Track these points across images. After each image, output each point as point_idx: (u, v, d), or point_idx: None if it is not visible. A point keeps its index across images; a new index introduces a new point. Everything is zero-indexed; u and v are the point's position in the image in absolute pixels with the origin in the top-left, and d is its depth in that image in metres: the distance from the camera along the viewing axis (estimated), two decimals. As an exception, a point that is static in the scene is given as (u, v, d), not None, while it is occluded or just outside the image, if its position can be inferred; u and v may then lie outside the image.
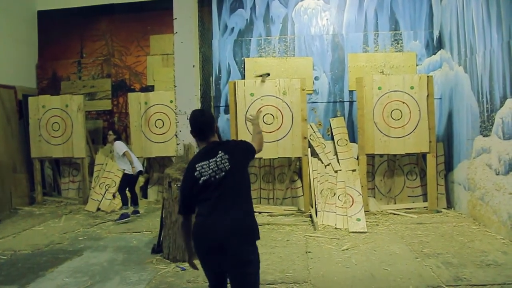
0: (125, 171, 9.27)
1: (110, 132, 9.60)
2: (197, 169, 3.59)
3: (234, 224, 3.45)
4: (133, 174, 9.13)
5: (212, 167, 3.58)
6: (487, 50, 7.70)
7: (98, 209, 10.03)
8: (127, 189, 9.36)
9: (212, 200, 3.50)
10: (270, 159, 9.51)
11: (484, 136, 7.87)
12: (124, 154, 9.07)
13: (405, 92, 9.12)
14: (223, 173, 3.56)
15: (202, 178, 3.55)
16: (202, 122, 3.82)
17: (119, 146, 9.18)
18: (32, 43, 12.26)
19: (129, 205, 9.31)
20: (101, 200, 10.18)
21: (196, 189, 3.58)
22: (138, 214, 9.46)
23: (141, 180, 10.83)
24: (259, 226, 3.71)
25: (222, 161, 3.60)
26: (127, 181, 9.31)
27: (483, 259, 6.13)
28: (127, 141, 11.42)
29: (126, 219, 8.95)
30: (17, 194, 10.69)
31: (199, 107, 7.03)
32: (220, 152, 3.65)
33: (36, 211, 10.20)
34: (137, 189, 10.47)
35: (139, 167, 9.34)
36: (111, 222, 8.96)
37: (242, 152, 3.83)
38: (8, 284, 5.67)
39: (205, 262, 3.59)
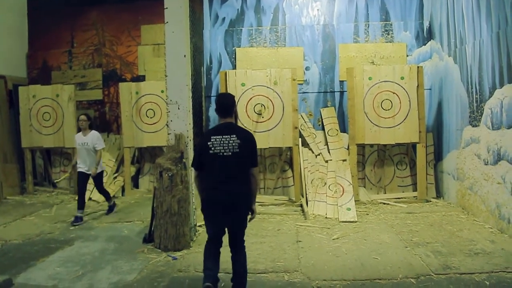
0: (86, 171, 8.34)
1: (84, 118, 8.43)
2: (211, 140, 4.58)
3: (235, 197, 4.58)
4: (91, 175, 8.34)
5: (223, 144, 4.55)
6: (477, 41, 7.74)
7: (90, 198, 9.99)
8: (81, 188, 8.43)
9: (220, 175, 4.57)
10: (261, 149, 9.51)
11: (473, 126, 7.94)
12: (99, 150, 8.36)
13: (395, 83, 9.16)
14: (230, 153, 4.54)
15: (212, 149, 4.55)
16: (224, 105, 4.80)
17: (101, 139, 8.47)
18: (22, 33, 12.16)
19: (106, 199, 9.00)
20: (92, 190, 10.14)
21: (205, 155, 4.60)
22: (81, 222, 8.21)
23: (132, 170, 10.83)
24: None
25: (234, 144, 4.55)
26: (100, 179, 8.66)
27: (472, 248, 6.21)
28: (118, 131, 11.44)
29: (115, 211, 8.94)
30: (8, 184, 10.67)
31: (190, 97, 7.05)
32: (234, 135, 4.59)
33: (27, 201, 10.17)
34: (127, 178, 10.50)
35: (100, 168, 8.55)
36: (102, 212, 8.95)
37: (248, 149, 4.66)
38: (-1, 273, 5.69)
39: (212, 220, 4.72)
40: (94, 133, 8.40)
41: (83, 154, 8.32)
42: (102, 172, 8.66)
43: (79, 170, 8.38)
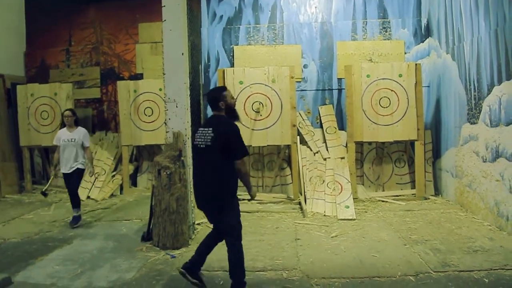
0: (67, 171, 7.81)
1: (69, 113, 7.95)
2: (197, 132, 4.79)
3: (206, 190, 4.74)
4: (89, 174, 8.09)
5: (202, 137, 4.69)
6: (475, 38, 7.74)
7: (88, 197, 9.99)
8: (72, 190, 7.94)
9: (197, 167, 4.90)
10: (259, 146, 9.52)
11: (471, 124, 7.94)
12: (88, 148, 8.01)
13: (394, 80, 9.15)
14: (204, 146, 4.67)
15: (195, 141, 4.79)
16: (208, 98, 4.94)
17: (88, 136, 8.06)
18: (20, 31, 12.12)
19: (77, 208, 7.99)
20: (90, 188, 10.15)
21: (192, 147, 4.93)
22: (80, 222, 7.93)
23: (130, 168, 10.82)
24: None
25: (208, 137, 4.63)
26: (79, 177, 8.02)
27: (470, 245, 6.22)
28: (116, 129, 11.43)
29: (79, 224, 7.89)
30: (6, 182, 10.65)
31: (188, 95, 7.04)
32: (211, 128, 4.66)
33: (26, 200, 10.18)
34: (125, 176, 10.48)
35: (82, 165, 7.91)
36: (100, 210, 8.94)
37: (222, 143, 4.58)
38: (-2, 272, 5.67)
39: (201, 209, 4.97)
40: (81, 129, 7.96)
41: (68, 151, 7.77)
42: (83, 170, 7.95)
43: (62, 171, 7.89)
